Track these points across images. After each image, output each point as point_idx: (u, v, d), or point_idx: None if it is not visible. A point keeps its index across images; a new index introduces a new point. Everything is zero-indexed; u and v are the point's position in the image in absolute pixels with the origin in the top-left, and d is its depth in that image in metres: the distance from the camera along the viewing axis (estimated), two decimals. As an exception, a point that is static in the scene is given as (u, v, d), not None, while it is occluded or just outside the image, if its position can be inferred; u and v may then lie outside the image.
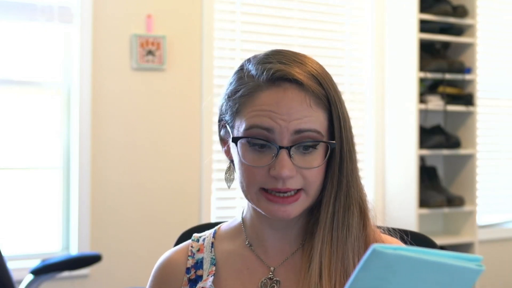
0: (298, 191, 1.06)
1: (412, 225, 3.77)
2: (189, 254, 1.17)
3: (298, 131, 1.04)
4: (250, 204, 1.13)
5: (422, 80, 3.93)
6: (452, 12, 3.93)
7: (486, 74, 4.42)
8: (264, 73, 1.07)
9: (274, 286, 1.11)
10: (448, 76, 3.93)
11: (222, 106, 1.12)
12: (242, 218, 1.18)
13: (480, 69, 4.22)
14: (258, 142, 1.05)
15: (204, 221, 3.52)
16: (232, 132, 1.09)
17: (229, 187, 1.17)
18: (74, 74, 3.29)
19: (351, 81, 4.05)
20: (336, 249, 1.06)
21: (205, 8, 3.56)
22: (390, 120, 4.04)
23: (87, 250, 3.25)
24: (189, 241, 1.20)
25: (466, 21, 4.00)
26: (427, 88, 4.02)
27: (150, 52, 3.39)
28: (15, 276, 2.69)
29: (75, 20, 3.28)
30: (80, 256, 2.84)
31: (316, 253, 1.07)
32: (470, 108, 3.99)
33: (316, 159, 1.06)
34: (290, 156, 1.04)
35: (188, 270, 1.15)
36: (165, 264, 1.18)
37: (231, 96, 1.10)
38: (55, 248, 3.31)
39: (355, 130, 4.01)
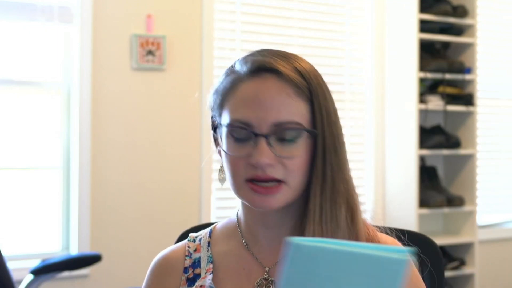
0: (279, 183, 1.05)
1: (412, 225, 3.77)
2: (186, 254, 1.18)
3: (278, 124, 1.05)
4: (242, 202, 1.14)
5: (422, 80, 3.93)
6: (452, 12, 3.93)
7: (486, 74, 4.42)
8: (246, 65, 1.09)
9: (270, 286, 1.11)
10: (448, 76, 3.93)
11: (210, 103, 1.15)
12: (237, 218, 1.18)
13: (480, 69, 4.22)
14: (237, 131, 1.06)
15: (204, 221, 3.52)
16: (220, 127, 1.10)
17: (222, 185, 1.17)
18: (74, 74, 3.29)
19: (351, 81, 4.05)
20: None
21: (205, 8, 3.56)
22: (390, 120, 4.04)
23: (87, 250, 3.25)
24: (185, 241, 1.21)
25: (466, 21, 4.00)
26: (427, 88, 4.02)
27: (150, 52, 3.39)
28: (15, 276, 2.69)
29: (75, 20, 3.28)
30: (80, 256, 2.84)
31: None
32: (470, 108, 3.99)
33: (297, 149, 1.06)
34: (269, 144, 1.04)
35: (186, 269, 1.16)
36: (162, 262, 1.18)
37: (216, 91, 1.13)
38: (55, 248, 3.31)
39: (355, 130, 4.02)
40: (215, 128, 1.14)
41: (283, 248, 1.11)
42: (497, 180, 4.54)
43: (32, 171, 3.34)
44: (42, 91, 3.34)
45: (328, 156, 1.07)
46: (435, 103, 3.92)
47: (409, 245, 1.17)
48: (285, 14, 3.85)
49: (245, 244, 1.15)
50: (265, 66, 1.07)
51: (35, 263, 2.74)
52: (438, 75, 3.92)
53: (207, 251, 1.17)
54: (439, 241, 3.78)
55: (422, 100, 3.90)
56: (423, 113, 3.94)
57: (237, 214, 1.19)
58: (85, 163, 3.26)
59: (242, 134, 1.06)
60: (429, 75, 3.89)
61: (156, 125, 3.45)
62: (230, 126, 1.07)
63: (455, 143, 3.95)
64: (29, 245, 3.28)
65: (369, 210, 1.13)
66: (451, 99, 3.97)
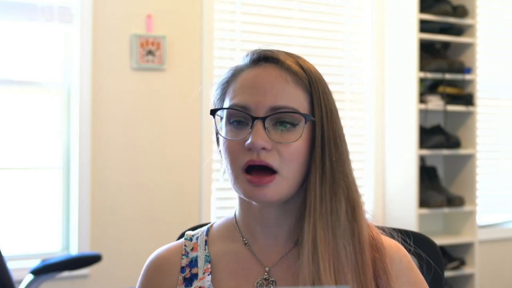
0: (273, 174, 1.05)
1: (412, 225, 3.77)
2: (183, 253, 1.16)
3: (274, 108, 1.05)
4: (239, 200, 1.15)
5: (422, 80, 3.93)
6: (452, 12, 3.93)
7: (486, 74, 4.42)
8: (247, 57, 1.12)
9: (270, 286, 1.10)
10: (448, 76, 3.93)
11: (213, 97, 1.15)
12: (235, 217, 1.18)
13: (480, 69, 4.22)
14: (235, 117, 1.07)
15: (204, 221, 3.52)
16: (221, 120, 1.11)
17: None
18: (74, 74, 3.29)
19: (351, 81, 4.05)
20: (328, 232, 1.05)
21: (205, 8, 3.56)
22: (390, 120, 4.04)
23: (87, 250, 3.25)
24: (182, 239, 1.19)
25: (466, 21, 4.00)
26: (427, 88, 4.02)
27: (150, 52, 3.39)
28: (15, 276, 2.69)
29: (75, 20, 3.28)
30: (80, 256, 2.83)
31: (308, 237, 1.05)
32: (470, 108, 3.99)
33: (294, 136, 1.06)
34: (265, 128, 1.05)
35: (183, 269, 1.14)
36: (157, 262, 1.17)
37: (218, 84, 1.14)
38: (55, 248, 3.31)
39: (355, 130, 4.02)
40: (212, 115, 1.13)
41: (284, 247, 1.12)
42: (497, 180, 4.54)
43: (32, 171, 3.34)
44: (42, 91, 3.34)
45: (327, 148, 1.07)
46: (435, 103, 3.92)
47: (409, 246, 1.17)
48: (285, 14, 3.85)
49: (245, 242, 1.14)
50: (266, 55, 1.10)
51: (35, 263, 2.75)
52: (438, 75, 3.92)
53: (204, 250, 1.15)
54: (439, 241, 3.78)
55: (422, 100, 3.90)
56: (423, 113, 3.94)
57: (235, 213, 1.18)
58: (85, 163, 3.26)
59: (239, 118, 1.07)
60: (429, 75, 3.89)
61: (156, 125, 3.45)
62: (229, 111, 1.08)
63: (455, 143, 3.95)
64: (29, 245, 3.28)
65: (369, 210, 1.13)
66: (451, 99, 3.97)
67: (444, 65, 3.92)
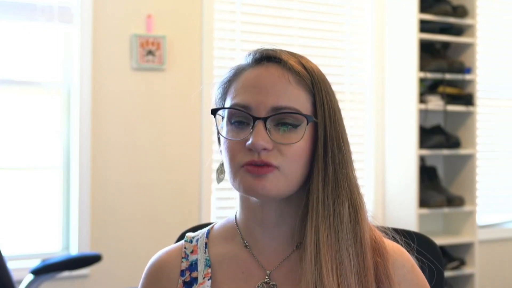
0: (272, 167, 1.04)
1: (412, 225, 3.77)
2: (183, 255, 1.15)
3: (276, 108, 1.04)
4: (240, 203, 1.13)
5: (422, 80, 3.93)
6: (452, 12, 3.93)
7: (486, 74, 4.41)
8: (250, 56, 1.11)
9: None
10: (448, 76, 3.93)
11: (215, 96, 1.14)
12: (236, 219, 1.16)
13: (480, 69, 4.22)
14: (237, 117, 1.06)
15: (204, 221, 3.52)
16: (223, 119, 1.10)
17: (218, 183, 1.16)
18: (74, 74, 3.29)
19: (351, 81, 4.05)
20: (331, 235, 1.04)
21: (205, 8, 3.56)
22: (390, 120, 4.04)
23: (87, 250, 3.25)
24: (182, 241, 1.18)
25: (466, 21, 4.00)
26: (427, 88, 4.02)
27: (150, 52, 3.39)
28: (15, 276, 2.69)
29: (75, 20, 3.28)
30: (80, 256, 2.83)
31: (311, 241, 1.04)
32: (470, 108, 3.99)
33: (296, 137, 1.05)
34: (266, 128, 1.04)
35: (182, 272, 1.13)
36: (158, 265, 1.15)
37: (220, 83, 1.13)
38: (55, 248, 3.31)
39: (355, 130, 4.02)
40: (213, 115, 1.12)
41: (285, 250, 1.11)
42: (497, 180, 4.54)
43: (32, 171, 3.34)
44: (42, 91, 3.34)
45: (330, 150, 1.06)
46: (435, 103, 3.92)
47: (412, 248, 1.16)
48: (285, 14, 3.85)
49: (245, 245, 1.12)
50: (268, 55, 1.09)
51: (35, 263, 2.75)
52: (438, 75, 3.92)
53: (204, 253, 1.14)
54: (439, 241, 3.78)
55: (422, 100, 3.90)
56: (423, 113, 3.94)
57: (235, 214, 1.16)
58: (85, 163, 3.26)
59: (240, 118, 1.06)
60: (429, 75, 3.89)
61: (156, 125, 3.45)
62: (230, 111, 1.07)
63: (455, 143, 3.95)
64: (29, 245, 3.28)
65: (369, 210, 1.11)
66: (451, 99, 3.97)
67: (444, 65, 3.92)
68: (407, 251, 1.14)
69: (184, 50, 3.51)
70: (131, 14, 3.39)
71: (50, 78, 3.33)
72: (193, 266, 1.13)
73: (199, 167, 3.52)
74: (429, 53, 3.97)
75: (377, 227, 1.14)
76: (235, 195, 1.12)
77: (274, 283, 1.09)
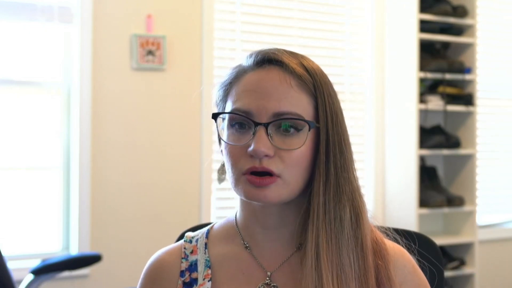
0: (273, 176, 1.03)
1: (412, 225, 3.77)
2: (183, 256, 1.14)
3: (277, 114, 1.03)
4: (240, 204, 1.12)
5: (422, 80, 3.93)
6: (452, 12, 3.93)
7: (486, 74, 4.41)
8: (251, 58, 1.09)
9: None
10: (448, 76, 3.93)
11: (216, 97, 1.13)
12: (236, 220, 1.15)
13: (480, 69, 4.22)
14: (237, 120, 1.05)
15: (204, 221, 3.52)
16: (223, 121, 1.09)
17: (219, 183, 1.16)
18: (74, 74, 3.29)
19: (351, 81, 4.05)
20: (331, 241, 1.04)
21: (205, 8, 3.56)
22: (390, 120, 4.04)
23: (87, 250, 3.25)
24: (181, 241, 1.17)
25: (466, 21, 3.99)
26: (427, 88, 4.01)
27: (150, 52, 3.39)
28: (15, 276, 2.69)
29: (75, 20, 3.28)
30: (80, 256, 2.83)
31: (312, 246, 1.04)
32: (470, 108, 3.99)
33: (297, 142, 1.04)
34: (268, 134, 1.03)
35: (182, 273, 1.12)
36: (157, 265, 1.14)
37: (221, 85, 1.12)
38: (55, 248, 3.31)
39: (355, 130, 4.02)
40: (214, 119, 1.11)
41: (285, 251, 1.11)
42: (497, 180, 4.54)
43: (32, 171, 3.34)
44: (42, 91, 3.34)
45: (332, 154, 1.05)
46: (435, 103, 3.92)
47: (413, 249, 1.16)
48: (285, 14, 3.85)
49: (246, 246, 1.11)
50: (270, 58, 1.07)
51: (35, 263, 2.75)
52: (438, 75, 3.91)
53: (204, 253, 1.13)
54: (439, 241, 3.78)
55: (422, 100, 3.90)
56: (423, 113, 3.94)
57: (235, 215, 1.16)
58: (85, 163, 3.26)
59: (242, 124, 1.05)
60: (429, 75, 3.89)
61: (156, 125, 3.45)
62: (231, 115, 1.06)
63: (455, 143, 3.94)
64: (29, 245, 3.28)
65: (369, 210, 1.11)
66: (451, 99, 3.97)
67: (444, 65, 3.92)
68: (408, 251, 1.14)
69: (184, 50, 3.51)
70: (131, 14, 3.39)
71: (50, 78, 3.32)
72: (193, 267, 1.12)
73: (199, 167, 3.52)
74: (429, 53, 3.97)
75: (378, 227, 1.13)
76: (235, 195, 1.12)
77: (275, 284, 1.08)
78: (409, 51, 3.85)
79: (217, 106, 1.12)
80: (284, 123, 1.03)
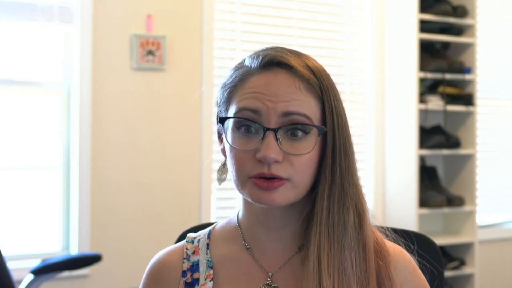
0: (283, 179, 1.02)
1: (412, 225, 3.77)
2: (184, 256, 1.14)
3: (286, 114, 1.02)
4: (243, 202, 1.12)
5: (422, 80, 3.93)
6: (452, 12, 3.93)
7: (486, 74, 4.41)
8: (256, 59, 1.07)
9: None
10: (448, 76, 3.93)
11: (217, 98, 1.12)
12: (238, 220, 1.14)
13: (480, 69, 4.22)
14: (245, 123, 1.03)
15: (204, 221, 3.52)
16: (226, 122, 1.07)
17: (219, 184, 1.15)
18: (74, 74, 3.29)
19: (351, 81, 4.05)
20: (334, 245, 1.04)
21: (205, 8, 3.56)
22: (390, 120, 4.04)
23: (87, 250, 3.25)
24: (183, 242, 1.17)
25: (466, 21, 3.99)
26: (427, 88, 4.02)
27: (150, 52, 3.39)
28: (15, 276, 2.69)
29: (75, 20, 3.28)
30: (80, 256, 2.83)
31: (314, 249, 1.04)
32: (470, 108, 3.99)
33: (306, 147, 1.03)
34: (277, 139, 1.02)
35: (184, 273, 1.12)
36: (159, 266, 1.14)
37: (224, 86, 1.10)
38: (55, 248, 3.31)
39: (355, 130, 4.02)
40: (221, 123, 1.09)
41: (287, 252, 1.10)
42: (497, 180, 4.54)
43: (32, 171, 3.34)
44: (42, 91, 3.34)
45: (337, 157, 1.05)
46: (435, 103, 3.92)
47: (412, 249, 1.16)
48: (285, 14, 3.85)
49: (247, 247, 1.11)
50: (276, 60, 1.05)
51: (35, 263, 2.74)
52: (438, 75, 3.91)
53: (206, 254, 1.13)
54: (439, 241, 3.78)
55: (422, 100, 3.90)
56: (423, 113, 3.94)
57: (237, 215, 1.15)
58: (85, 163, 3.26)
59: (249, 128, 1.03)
60: (429, 75, 3.89)
61: (156, 125, 3.45)
62: (238, 115, 1.04)
63: (455, 143, 3.95)
64: (29, 245, 3.28)
65: (369, 210, 1.11)
66: (451, 99, 3.97)
67: (444, 65, 3.92)
68: (407, 252, 1.14)
69: (184, 50, 3.51)
70: (131, 14, 3.39)
71: (50, 78, 3.33)
72: (194, 267, 1.12)
73: (199, 167, 3.52)
74: (429, 53, 3.97)
75: (377, 227, 1.13)
76: (235, 195, 1.12)
77: (276, 285, 1.08)
78: (409, 51, 3.85)
79: (219, 107, 1.11)
80: (293, 127, 1.03)
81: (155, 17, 3.43)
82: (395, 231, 1.18)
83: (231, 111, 1.06)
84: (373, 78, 4.06)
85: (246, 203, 1.12)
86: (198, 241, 1.16)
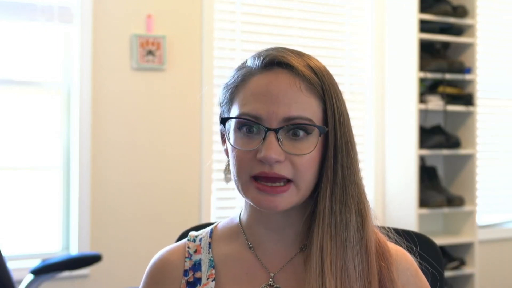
0: (288, 182, 1.02)
1: (412, 225, 3.77)
2: (186, 255, 1.13)
3: (288, 119, 1.02)
4: (245, 203, 1.11)
5: (422, 80, 3.93)
6: (452, 12, 3.93)
7: (486, 74, 4.41)
8: (258, 60, 1.07)
9: None
10: (448, 76, 3.93)
11: (220, 99, 1.12)
12: (240, 220, 1.14)
13: (480, 69, 4.22)
14: (246, 123, 1.03)
15: (204, 221, 3.52)
16: (229, 122, 1.07)
17: (227, 183, 1.14)
18: (74, 74, 3.29)
19: (351, 81, 4.05)
20: (336, 245, 1.03)
21: (205, 8, 3.56)
22: (390, 120, 4.04)
23: (87, 250, 3.25)
24: (185, 240, 1.16)
25: (466, 21, 4.00)
26: (427, 88, 4.02)
27: (150, 52, 3.39)
28: (15, 276, 2.69)
29: (75, 20, 3.28)
30: (80, 256, 2.83)
31: (316, 249, 1.04)
32: (470, 108, 3.99)
33: (307, 147, 1.03)
34: (278, 139, 1.01)
35: (186, 272, 1.12)
36: (160, 265, 1.14)
37: (227, 86, 1.10)
38: (55, 248, 3.31)
39: (355, 130, 4.01)
40: (223, 124, 1.09)
41: (289, 252, 1.10)
42: (497, 180, 4.54)
43: (32, 171, 3.34)
44: (42, 91, 3.34)
45: (339, 157, 1.05)
46: (435, 103, 3.92)
47: (414, 251, 1.16)
48: (285, 14, 3.85)
49: (249, 246, 1.11)
50: (277, 60, 1.05)
51: (35, 263, 2.74)
52: (438, 75, 3.92)
53: (208, 253, 1.12)
54: (439, 241, 3.78)
55: (422, 100, 3.90)
56: (423, 113, 3.94)
57: (239, 214, 1.15)
58: (85, 163, 3.26)
59: (251, 128, 1.03)
60: (429, 75, 3.89)
61: (156, 125, 3.45)
62: (239, 119, 1.04)
63: (455, 143, 3.95)
64: (29, 245, 3.28)
65: (373, 213, 1.10)
66: (451, 99, 3.97)
67: (444, 65, 3.92)
68: (409, 253, 1.14)
69: (184, 50, 3.51)
70: (131, 14, 3.39)
71: (50, 78, 3.33)
72: (196, 266, 1.12)
73: (199, 167, 3.52)
74: (429, 53, 3.97)
75: (379, 228, 1.13)
76: (235, 195, 1.12)
77: (278, 285, 1.08)
78: (409, 51, 3.85)
79: (221, 107, 1.11)
80: (294, 129, 1.02)
81: (155, 17, 3.43)
82: (397, 231, 1.18)
83: (233, 112, 1.06)
84: (373, 78, 4.06)
85: (247, 204, 1.11)
86: (200, 239, 1.15)
